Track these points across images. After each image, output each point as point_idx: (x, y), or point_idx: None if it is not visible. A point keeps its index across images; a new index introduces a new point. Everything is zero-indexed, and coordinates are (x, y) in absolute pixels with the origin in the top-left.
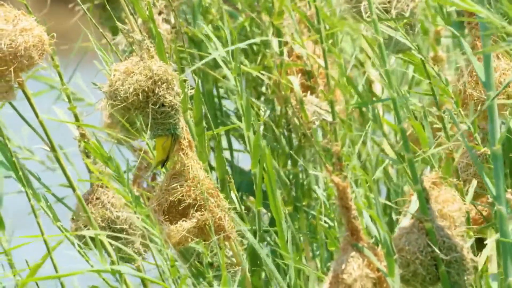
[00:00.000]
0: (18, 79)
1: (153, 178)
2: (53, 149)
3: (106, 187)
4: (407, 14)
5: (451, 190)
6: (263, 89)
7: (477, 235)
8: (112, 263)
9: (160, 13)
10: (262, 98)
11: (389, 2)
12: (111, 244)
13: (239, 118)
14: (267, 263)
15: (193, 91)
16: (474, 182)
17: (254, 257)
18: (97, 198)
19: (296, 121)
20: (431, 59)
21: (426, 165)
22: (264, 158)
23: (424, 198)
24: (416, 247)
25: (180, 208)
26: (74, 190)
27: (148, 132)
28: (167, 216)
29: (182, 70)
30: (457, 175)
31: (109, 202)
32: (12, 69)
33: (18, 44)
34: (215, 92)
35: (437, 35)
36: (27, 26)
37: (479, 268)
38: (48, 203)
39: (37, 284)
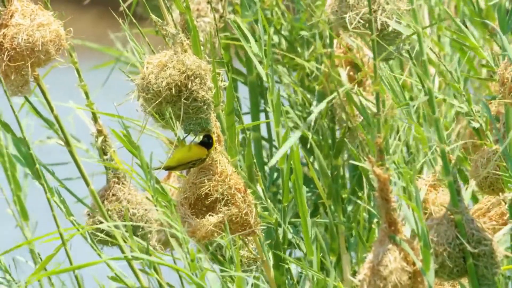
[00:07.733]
0: (34, 73)
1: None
2: (67, 143)
3: (123, 183)
4: (391, 25)
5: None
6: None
7: None
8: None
9: (208, 1)
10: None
11: (375, 12)
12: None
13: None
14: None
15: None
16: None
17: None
18: (113, 195)
19: (343, 114)
20: None
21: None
22: (292, 155)
23: (456, 190)
24: (444, 238)
25: (206, 202)
26: (88, 184)
27: (179, 125)
28: (193, 210)
29: (228, 60)
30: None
31: (125, 199)
32: (29, 63)
33: (35, 39)
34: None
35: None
36: (44, 21)
37: None
38: (61, 198)
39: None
